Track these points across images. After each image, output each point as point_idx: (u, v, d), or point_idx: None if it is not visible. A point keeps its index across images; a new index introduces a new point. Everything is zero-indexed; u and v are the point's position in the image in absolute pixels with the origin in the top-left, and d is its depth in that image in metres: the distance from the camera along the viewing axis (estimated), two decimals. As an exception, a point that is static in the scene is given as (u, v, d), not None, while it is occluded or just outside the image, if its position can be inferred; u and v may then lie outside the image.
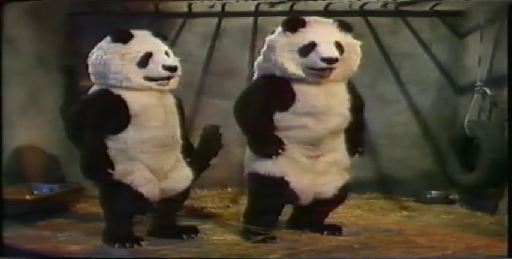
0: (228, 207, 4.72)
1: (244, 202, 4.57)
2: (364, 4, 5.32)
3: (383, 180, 5.38)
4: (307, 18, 3.69)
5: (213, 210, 4.59)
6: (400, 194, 5.21)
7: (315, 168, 3.71)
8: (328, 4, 5.33)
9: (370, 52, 5.39)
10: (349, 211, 4.53)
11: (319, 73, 3.59)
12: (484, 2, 4.74)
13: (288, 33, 3.64)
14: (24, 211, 4.08)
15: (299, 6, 5.37)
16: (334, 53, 3.56)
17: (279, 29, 3.68)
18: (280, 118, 3.64)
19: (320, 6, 5.36)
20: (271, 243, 3.56)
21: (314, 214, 3.85)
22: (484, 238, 3.74)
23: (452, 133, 5.03)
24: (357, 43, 3.72)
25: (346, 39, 3.67)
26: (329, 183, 3.74)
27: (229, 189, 5.25)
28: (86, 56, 3.63)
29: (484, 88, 4.72)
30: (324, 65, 3.55)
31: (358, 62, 3.72)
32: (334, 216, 4.01)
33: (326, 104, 3.62)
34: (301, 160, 3.68)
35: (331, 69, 3.59)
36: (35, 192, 4.56)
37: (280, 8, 5.43)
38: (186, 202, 4.49)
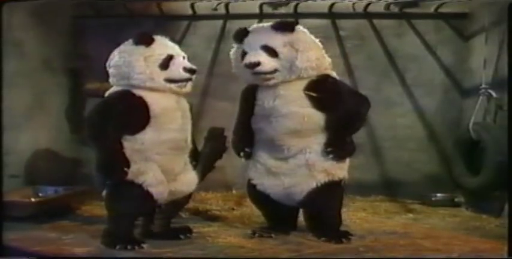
0: (233, 209, 4.72)
1: (248, 204, 4.59)
2: (368, 5, 5.32)
3: (388, 183, 5.37)
4: (250, 28, 3.82)
5: (217, 213, 4.59)
6: (405, 197, 5.20)
7: (282, 170, 3.73)
8: (332, 5, 5.33)
9: (374, 54, 5.45)
10: (354, 214, 4.53)
11: (259, 77, 3.67)
12: (489, 3, 4.73)
13: (237, 45, 3.82)
14: (29, 213, 4.09)
15: (303, 9, 5.38)
16: (255, 57, 3.62)
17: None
18: (252, 122, 3.79)
19: (324, 8, 5.38)
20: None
21: (313, 218, 3.82)
22: (490, 241, 3.72)
23: (457, 136, 5.02)
24: (304, 39, 3.69)
25: (282, 39, 3.65)
26: (296, 185, 3.69)
27: (233, 192, 5.25)
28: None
29: (490, 90, 4.71)
30: (250, 70, 3.65)
31: (310, 58, 3.64)
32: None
33: (273, 106, 3.66)
34: (267, 162, 3.76)
35: (263, 73, 3.63)
36: (40, 195, 4.58)
37: (284, 10, 5.45)
38: (191, 205, 4.51)
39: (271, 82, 3.67)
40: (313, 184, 3.67)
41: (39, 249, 3.44)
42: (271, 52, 3.64)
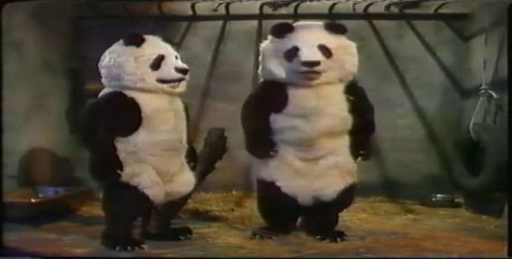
0: (233, 210, 4.72)
1: (248, 205, 4.60)
2: (368, 6, 5.32)
3: (388, 184, 5.37)
4: (295, 23, 3.79)
5: (217, 213, 4.59)
6: (405, 197, 5.19)
7: (311, 171, 3.71)
8: (332, 6, 5.33)
9: (374, 55, 5.45)
10: (354, 215, 4.52)
11: (305, 76, 3.63)
12: (489, 4, 4.73)
13: (275, 39, 3.73)
14: (29, 214, 4.10)
15: (303, 9, 5.38)
16: (316, 56, 3.58)
17: (270, 35, 3.78)
18: (275, 120, 3.71)
19: (325, 9, 5.38)
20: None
21: (319, 218, 3.83)
22: (490, 241, 3.72)
23: (457, 136, 5.02)
24: (352, 44, 3.74)
25: (336, 41, 3.67)
26: (328, 187, 3.71)
27: (233, 192, 5.25)
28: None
29: (490, 91, 4.71)
30: (305, 68, 3.59)
31: (356, 63, 3.73)
32: (339, 219, 3.99)
33: (316, 106, 3.63)
34: (294, 163, 3.72)
35: (316, 72, 3.60)
36: (40, 195, 4.59)
37: (284, 10, 5.45)
38: (191, 206, 4.52)
39: (315, 82, 3.64)
40: (341, 186, 3.72)
41: (40, 249, 3.44)
42: (327, 52, 3.62)
